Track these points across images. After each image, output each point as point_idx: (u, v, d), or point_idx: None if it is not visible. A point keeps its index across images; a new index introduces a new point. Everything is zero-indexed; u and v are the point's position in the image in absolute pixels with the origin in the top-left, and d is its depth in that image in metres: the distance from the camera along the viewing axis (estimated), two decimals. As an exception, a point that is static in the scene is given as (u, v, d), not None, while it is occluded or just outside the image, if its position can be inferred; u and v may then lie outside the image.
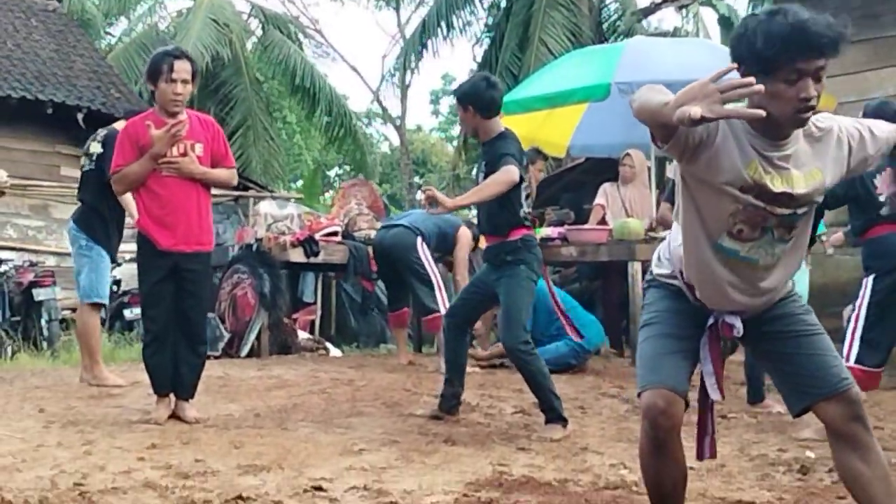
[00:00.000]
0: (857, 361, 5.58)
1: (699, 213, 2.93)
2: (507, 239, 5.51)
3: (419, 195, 26.18)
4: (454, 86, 32.22)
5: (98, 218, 6.87)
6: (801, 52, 2.68)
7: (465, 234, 8.27)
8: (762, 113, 2.62)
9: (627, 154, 9.34)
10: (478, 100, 5.52)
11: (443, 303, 7.71)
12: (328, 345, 10.27)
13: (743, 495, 4.09)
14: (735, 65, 2.75)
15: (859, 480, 2.94)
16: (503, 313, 5.55)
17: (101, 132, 6.97)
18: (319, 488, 4.06)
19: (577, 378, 7.45)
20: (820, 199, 2.97)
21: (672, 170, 11.95)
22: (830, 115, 3.01)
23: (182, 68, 5.46)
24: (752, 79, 2.58)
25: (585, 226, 8.85)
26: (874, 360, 5.66)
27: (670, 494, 3.08)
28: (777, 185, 2.84)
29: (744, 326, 3.06)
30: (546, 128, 10.20)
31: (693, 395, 3.13)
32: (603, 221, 9.03)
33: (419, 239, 8.00)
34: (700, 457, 3.26)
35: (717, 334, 3.07)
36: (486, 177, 5.48)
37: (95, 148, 6.89)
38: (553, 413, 5.41)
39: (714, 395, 3.13)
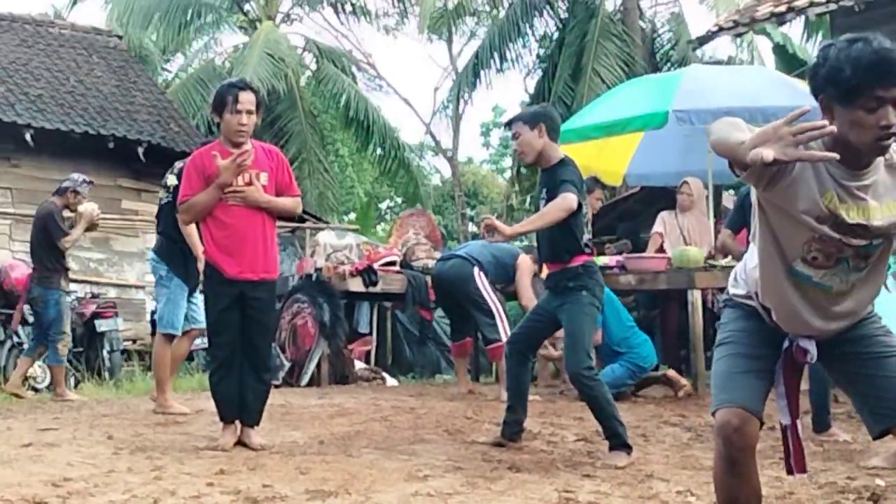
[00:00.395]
0: None
1: (775, 239, 2.93)
2: (569, 265, 5.52)
3: (472, 227, 26.24)
4: (504, 118, 32.30)
5: (177, 249, 7.01)
6: (883, 78, 2.68)
7: (524, 261, 8.28)
8: (835, 156, 2.63)
9: (685, 182, 9.33)
10: (549, 119, 5.58)
11: (504, 331, 7.73)
12: (384, 374, 10.31)
13: (814, 523, 4.05)
14: (807, 108, 2.75)
15: None
16: (567, 339, 5.55)
17: (178, 165, 7.10)
18: (387, 513, 4.08)
19: (639, 406, 7.42)
20: None
21: (728, 198, 11.92)
22: None
23: (247, 99, 5.56)
24: (824, 122, 2.61)
25: (644, 254, 8.82)
26: None
27: None
28: (852, 216, 2.82)
29: (823, 347, 3.04)
30: (602, 156, 10.21)
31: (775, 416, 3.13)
32: (661, 250, 9.01)
33: (476, 269, 8.03)
34: (789, 471, 3.24)
35: (791, 358, 3.06)
36: (547, 203, 5.50)
37: (172, 181, 7.02)
38: (617, 440, 5.39)
39: (783, 418, 3.12)
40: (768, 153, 2.56)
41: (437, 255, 9.62)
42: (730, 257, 7.47)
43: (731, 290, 3.20)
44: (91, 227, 8.67)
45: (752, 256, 3.10)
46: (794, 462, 3.18)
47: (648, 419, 6.87)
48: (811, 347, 3.03)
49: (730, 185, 12.23)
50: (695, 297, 8.01)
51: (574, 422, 6.61)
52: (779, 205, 2.85)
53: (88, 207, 8.53)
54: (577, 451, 5.70)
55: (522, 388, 5.79)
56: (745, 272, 3.13)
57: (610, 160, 10.45)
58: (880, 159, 2.81)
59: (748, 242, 6.60)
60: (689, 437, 6.25)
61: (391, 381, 10.14)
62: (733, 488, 3.03)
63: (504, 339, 7.46)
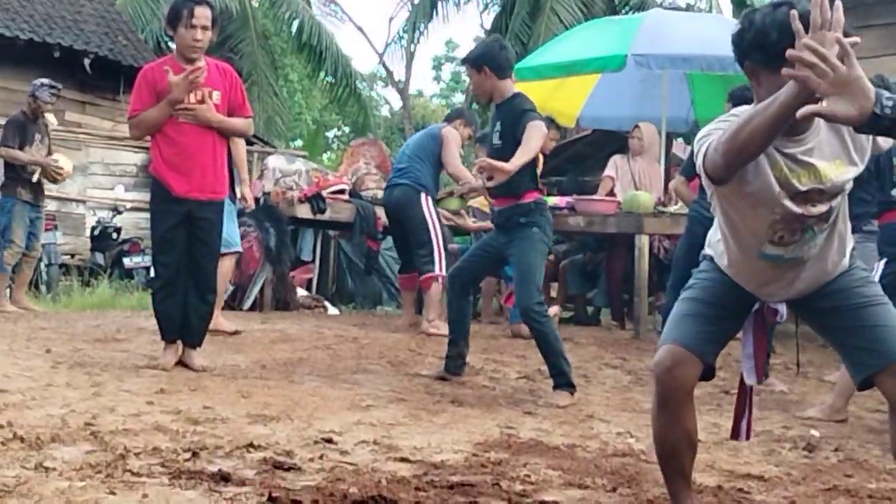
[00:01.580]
0: None
1: (738, 231, 2.91)
2: (521, 201, 5.49)
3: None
4: (458, 52, 31.99)
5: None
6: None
7: (450, 132, 7.97)
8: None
9: (637, 126, 9.31)
10: (493, 60, 5.53)
11: (440, 265, 7.63)
12: (326, 303, 10.26)
13: (751, 469, 4.10)
14: None
15: None
16: (518, 275, 5.53)
17: None
18: (329, 440, 4.05)
19: (580, 348, 7.45)
20: (850, 186, 2.87)
21: (678, 146, 11.96)
22: None
23: (202, 14, 5.41)
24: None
25: (594, 196, 8.83)
26: None
27: (672, 455, 3.06)
28: (805, 182, 2.77)
29: (799, 303, 3.04)
30: (557, 97, 10.17)
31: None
32: (612, 193, 9.01)
33: (423, 195, 7.86)
34: (734, 436, 3.26)
35: (762, 319, 3.06)
36: (502, 136, 5.46)
37: None
38: (563, 378, 5.41)
39: (749, 378, 3.12)
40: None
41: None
42: (681, 204, 7.49)
43: (707, 251, 3.15)
44: (47, 174, 8.51)
45: (715, 231, 3.08)
46: (746, 426, 3.19)
47: (590, 360, 6.91)
48: (781, 308, 3.03)
49: (680, 134, 12.26)
50: (642, 242, 8.04)
51: (516, 359, 6.63)
52: (735, 192, 2.79)
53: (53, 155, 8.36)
54: (519, 389, 5.73)
55: (464, 323, 5.78)
56: (712, 243, 3.11)
57: (565, 101, 10.41)
58: (819, 120, 2.69)
59: (701, 189, 6.62)
60: (629, 379, 6.31)
61: (332, 310, 10.09)
62: (664, 427, 3.03)
63: (437, 271, 7.46)
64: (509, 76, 5.61)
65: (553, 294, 9.94)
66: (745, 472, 4.04)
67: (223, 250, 6.69)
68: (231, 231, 6.95)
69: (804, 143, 2.75)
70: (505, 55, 5.58)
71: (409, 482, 3.50)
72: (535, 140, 5.35)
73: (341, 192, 9.60)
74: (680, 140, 12.64)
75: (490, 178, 5.32)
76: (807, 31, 2.37)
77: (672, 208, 7.95)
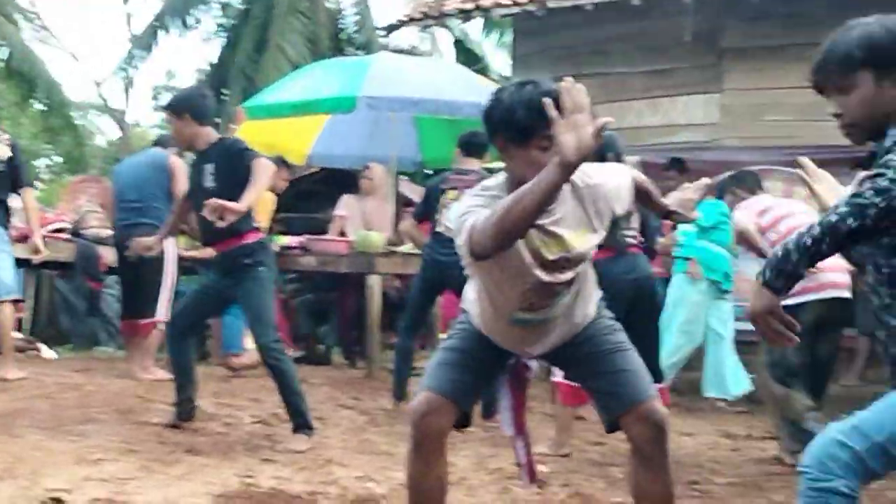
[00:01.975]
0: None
1: (492, 297, 3.02)
2: (245, 241, 5.38)
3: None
4: (176, 83, 31.24)
5: None
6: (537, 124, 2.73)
7: (177, 162, 7.65)
8: None
9: (368, 167, 9.42)
10: (194, 106, 5.46)
11: (165, 309, 7.37)
12: (40, 345, 9.71)
13: (489, 508, 4.22)
14: None
15: (642, 499, 3.09)
16: (252, 316, 5.43)
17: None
18: (59, 500, 3.85)
19: (314, 388, 7.41)
20: (593, 252, 3.05)
21: (406, 185, 12.20)
22: (600, 166, 3.14)
23: None
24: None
25: (326, 236, 8.85)
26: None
27: (426, 499, 3.11)
28: (554, 252, 2.91)
29: (554, 355, 3.16)
30: (288, 135, 10.14)
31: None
32: (342, 233, 9.07)
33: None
34: (531, 479, 3.41)
35: (516, 373, 3.16)
36: (217, 178, 5.35)
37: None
38: (301, 419, 5.36)
39: (506, 429, 3.22)
40: None
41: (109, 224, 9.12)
42: (412, 245, 7.62)
43: (463, 305, 3.23)
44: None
45: (470, 290, 3.17)
46: (528, 473, 3.29)
47: (324, 401, 6.89)
48: (534, 365, 3.15)
49: (408, 173, 12.53)
50: (373, 281, 8.12)
51: (250, 402, 6.53)
52: (492, 264, 2.88)
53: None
54: (256, 434, 5.63)
55: (187, 366, 5.61)
56: (468, 301, 3.19)
57: (295, 139, 10.40)
58: (566, 189, 2.84)
59: (433, 233, 6.76)
60: (364, 420, 6.34)
61: (48, 352, 9.55)
62: (418, 472, 3.08)
63: (160, 317, 7.26)
64: (210, 123, 5.56)
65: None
66: (483, 511, 4.15)
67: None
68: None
69: (553, 213, 2.88)
70: (206, 102, 5.55)
71: (148, 541, 3.37)
72: (264, 178, 5.26)
73: (61, 230, 9.13)
74: (407, 178, 12.90)
75: (221, 219, 5.19)
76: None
77: (404, 248, 8.08)
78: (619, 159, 5.01)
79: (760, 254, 5.88)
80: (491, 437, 6.06)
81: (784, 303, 2.36)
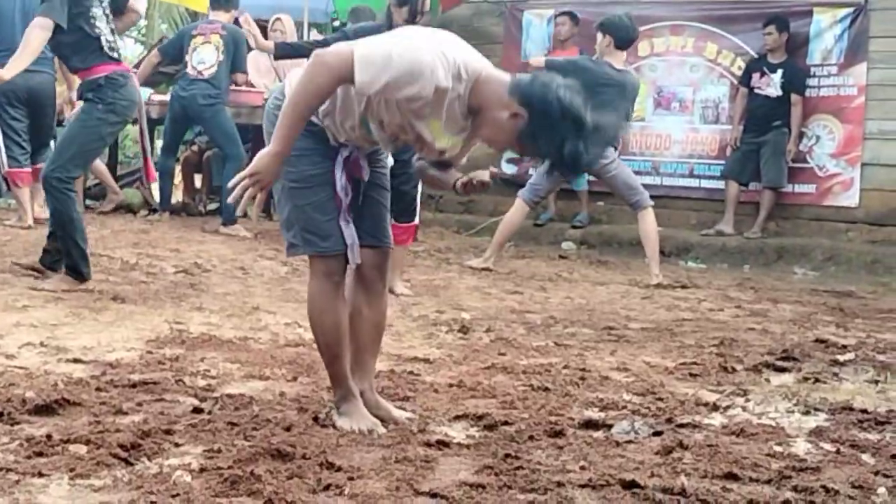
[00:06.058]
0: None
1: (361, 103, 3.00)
2: (91, 76, 5.16)
3: None
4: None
5: None
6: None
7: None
8: None
9: (278, 19, 9.24)
10: None
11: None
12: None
13: (416, 352, 4.34)
14: None
15: (356, 318, 3.25)
16: (56, 145, 5.33)
17: None
18: (-10, 345, 3.86)
19: (233, 240, 7.45)
20: None
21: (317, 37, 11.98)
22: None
23: None
24: None
25: (243, 88, 8.73)
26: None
27: (345, 337, 3.20)
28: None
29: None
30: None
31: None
32: (250, 84, 8.95)
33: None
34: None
35: (350, 169, 3.17)
36: None
37: None
38: (69, 260, 5.18)
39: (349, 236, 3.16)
40: None
41: None
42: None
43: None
44: None
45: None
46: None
47: (244, 252, 6.93)
48: (366, 165, 3.20)
49: (319, 25, 12.31)
50: (290, 133, 8.05)
51: (171, 253, 6.53)
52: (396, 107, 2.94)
53: None
54: (180, 283, 5.66)
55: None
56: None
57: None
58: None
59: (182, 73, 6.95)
60: (286, 271, 6.40)
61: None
62: (339, 311, 3.16)
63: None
64: None
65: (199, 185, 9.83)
66: (411, 355, 4.28)
67: None
68: None
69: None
70: None
71: (89, 383, 3.42)
72: (34, 41, 5.14)
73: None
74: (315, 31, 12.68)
75: None
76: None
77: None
78: None
79: None
80: (411, 286, 6.18)
81: None
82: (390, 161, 3.73)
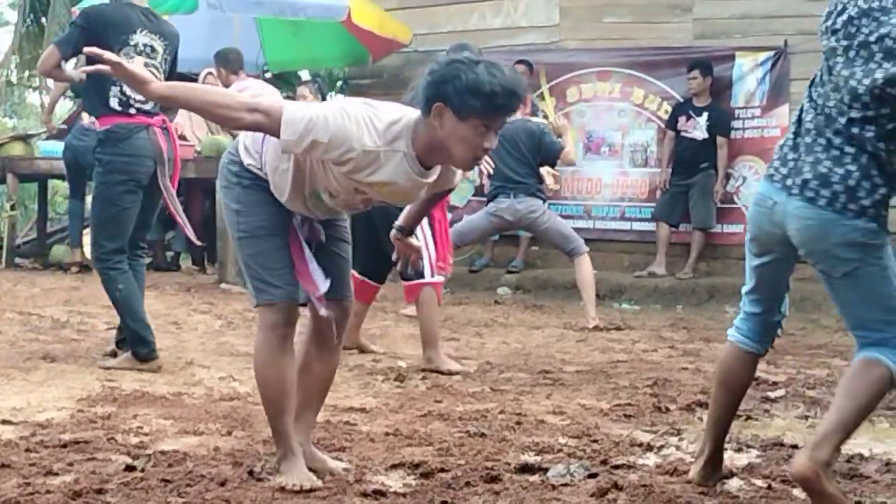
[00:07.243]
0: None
1: (307, 178, 3.01)
2: (98, 129, 4.89)
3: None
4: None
5: None
6: (501, 110, 2.81)
7: None
8: None
9: (210, 73, 9.24)
10: None
11: None
12: None
13: (352, 402, 4.33)
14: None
15: (305, 372, 3.23)
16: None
17: None
18: (-84, 410, 3.78)
19: (166, 295, 7.39)
20: None
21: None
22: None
23: None
24: None
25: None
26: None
27: (290, 392, 3.15)
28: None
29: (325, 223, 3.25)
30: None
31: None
32: (183, 138, 8.91)
33: None
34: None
35: (304, 235, 3.19)
36: None
37: None
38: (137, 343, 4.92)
39: (322, 287, 3.16)
40: None
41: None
42: None
43: (246, 160, 3.11)
44: None
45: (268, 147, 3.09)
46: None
47: (178, 307, 6.88)
48: (322, 229, 3.21)
49: (251, 77, 12.29)
50: (222, 186, 8.04)
51: (103, 310, 6.45)
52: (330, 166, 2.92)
53: None
54: (112, 340, 5.57)
55: None
56: (261, 149, 3.08)
57: (133, 42, 10.08)
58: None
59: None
60: (220, 324, 6.36)
61: None
62: (285, 365, 3.12)
63: None
64: None
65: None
66: (347, 405, 4.26)
67: None
68: None
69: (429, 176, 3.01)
70: None
71: (18, 444, 3.37)
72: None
73: None
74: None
75: None
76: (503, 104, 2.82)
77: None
78: None
79: None
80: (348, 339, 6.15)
81: None
82: None
